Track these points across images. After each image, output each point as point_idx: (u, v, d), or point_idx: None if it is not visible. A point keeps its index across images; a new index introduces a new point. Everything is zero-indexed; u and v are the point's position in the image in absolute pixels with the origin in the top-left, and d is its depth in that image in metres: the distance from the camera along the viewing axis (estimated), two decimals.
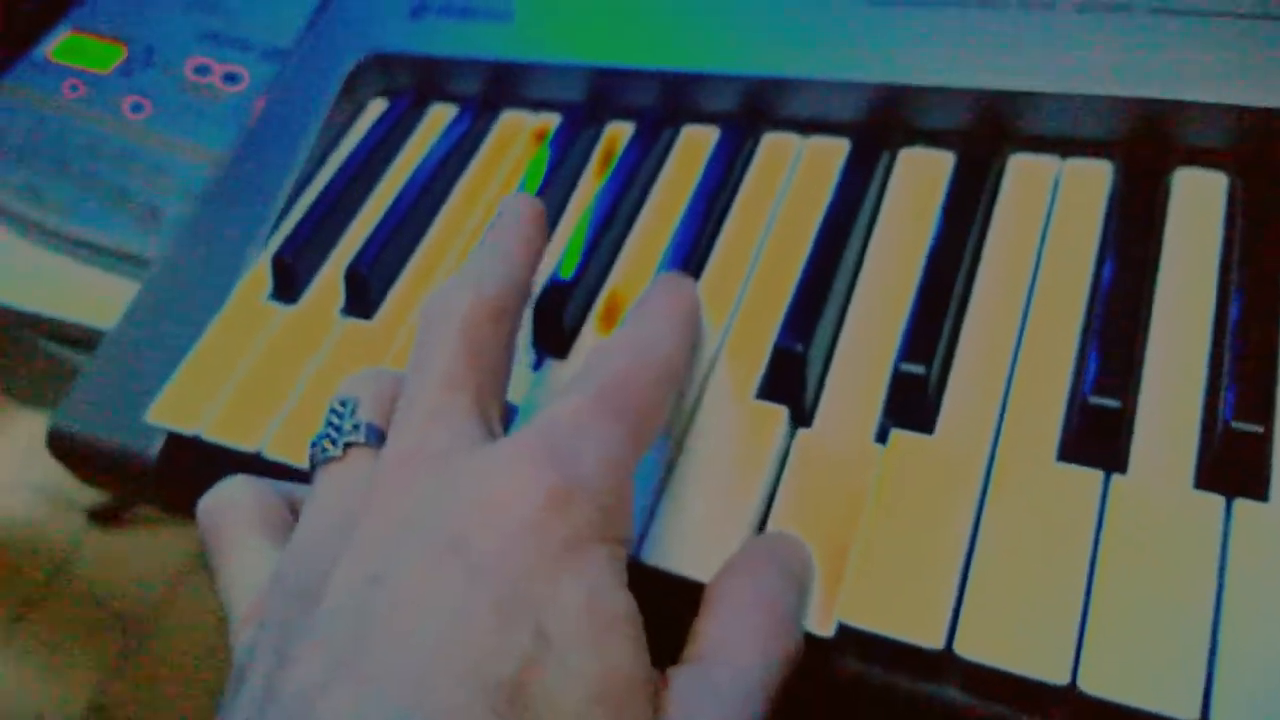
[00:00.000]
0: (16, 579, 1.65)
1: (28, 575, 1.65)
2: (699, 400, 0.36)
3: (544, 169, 0.45)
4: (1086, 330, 0.34)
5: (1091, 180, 0.38)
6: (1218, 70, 0.37)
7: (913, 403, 0.34)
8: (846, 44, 0.42)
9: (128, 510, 1.67)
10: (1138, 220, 0.36)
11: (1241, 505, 0.29)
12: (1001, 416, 0.33)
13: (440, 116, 0.51)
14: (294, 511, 0.33)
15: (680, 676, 0.28)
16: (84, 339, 0.67)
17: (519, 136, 0.49)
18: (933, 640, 0.29)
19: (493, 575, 0.25)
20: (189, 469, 0.42)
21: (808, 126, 0.44)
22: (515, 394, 0.38)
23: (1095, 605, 0.29)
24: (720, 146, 0.43)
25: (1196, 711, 0.27)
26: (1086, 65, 0.38)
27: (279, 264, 0.44)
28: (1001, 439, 0.33)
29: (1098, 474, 0.31)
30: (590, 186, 0.45)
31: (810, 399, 0.36)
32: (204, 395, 0.41)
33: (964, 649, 0.29)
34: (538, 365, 0.39)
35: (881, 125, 0.42)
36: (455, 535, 0.25)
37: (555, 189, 0.45)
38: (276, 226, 0.48)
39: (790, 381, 0.35)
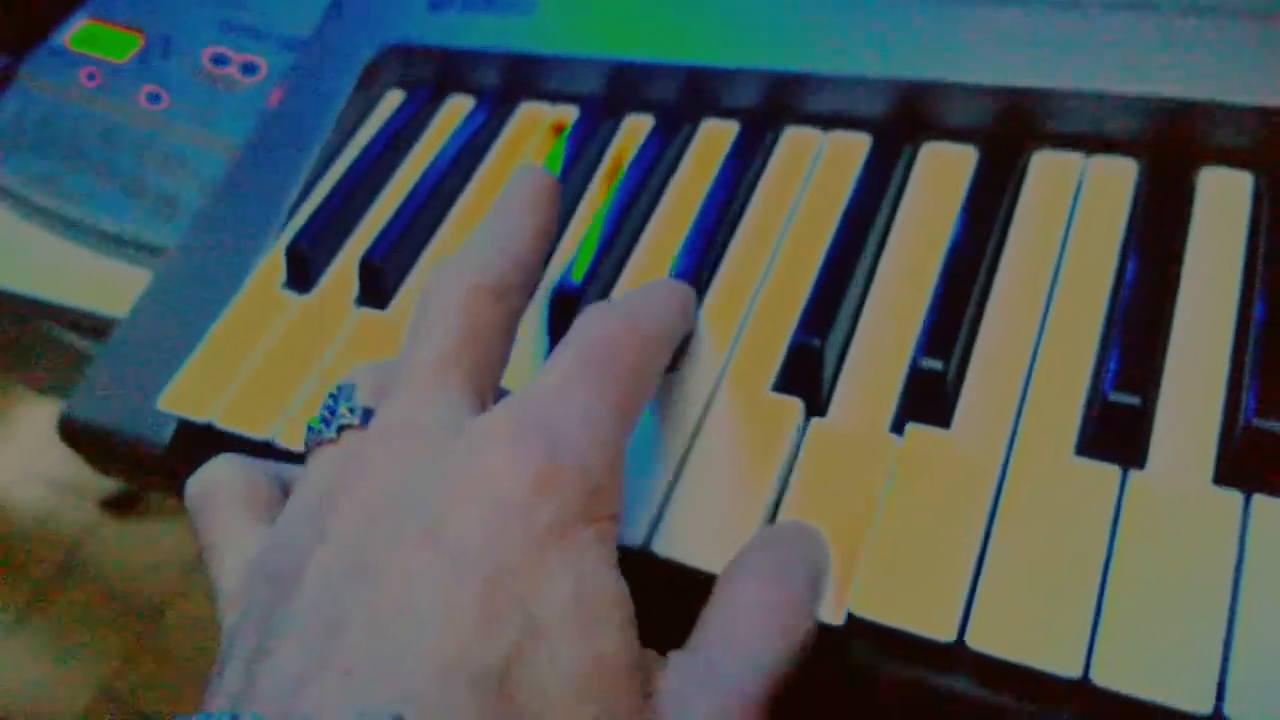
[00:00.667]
0: (30, 567, 1.66)
1: (41, 564, 1.66)
2: (714, 393, 0.36)
3: (560, 162, 0.44)
4: (1108, 327, 0.34)
5: (1116, 178, 0.38)
6: (1243, 70, 0.36)
7: (930, 397, 0.33)
8: (869, 39, 0.42)
9: (140, 500, 1.68)
10: (1162, 218, 0.36)
11: (1260, 501, 0.29)
12: (1019, 412, 0.33)
13: (458, 108, 0.51)
14: (285, 492, 0.33)
15: (678, 659, 0.27)
16: (100, 328, 0.67)
17: (537, 128, 0.48)
18: (945, 632, 0.29)
19: (476, 562, 0.24)
20: (200, 457, 0.42)
21: (829, 122, 0.43)
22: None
23: (1109, 599, 0.28)
24: (739, 142, 0.43)
25: (1210, 706, 0.26)
26: (1112, 63, 0.38)
27: (293, 253, 0.44)
28: (1019, 434, 0.32)
29: (1115, 469, 0.30)
30: (607, 180, 0.45)
31: (826, 392, 0.35)
32: (216, 383, 0.41)
33: (976, 641, 0.29)
34: None
35: (904, 121, 0.42)
36: (434, 520, 0.25)
37: (571, 182, 0.44)
38: (291, 216, 0.48)
39: (807, 376, 0.35)
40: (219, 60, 0.69)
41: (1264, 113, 0.36)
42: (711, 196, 0.41)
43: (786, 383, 0.35)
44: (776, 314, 0.38)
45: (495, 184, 0.47)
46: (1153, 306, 0.33)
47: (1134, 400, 0.31)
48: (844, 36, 0.42)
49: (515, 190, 0.34)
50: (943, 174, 0.40)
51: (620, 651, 0.25)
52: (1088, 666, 0.28)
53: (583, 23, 0.48)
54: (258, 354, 0.42)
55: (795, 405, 0.34)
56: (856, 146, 0.42)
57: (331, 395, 0.31)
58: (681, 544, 0.33)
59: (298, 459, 0.38)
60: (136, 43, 0.74)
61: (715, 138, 0.45)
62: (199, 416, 0.40)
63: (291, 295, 0.44)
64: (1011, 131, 0.40)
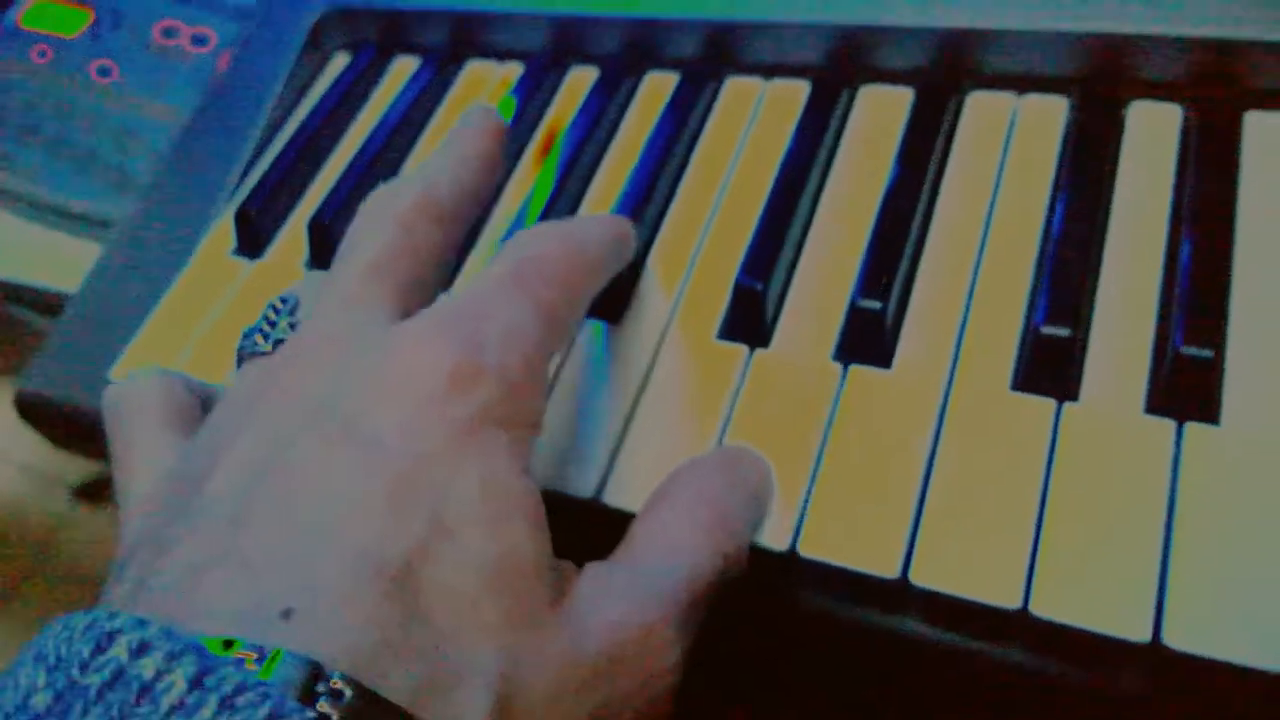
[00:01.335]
0: (4, 555, 1.65)
1: (14, 554, 1.65)
2: (661, 342, 0.36)
3: (508, 116, 0.44)
4: (1040, 263, 0.34)
5: (1047, 116, 0.38)
6: (1172, 2, 0.37)
7: (869, 338, 0.34)
8: None
9: (111, 487, 1.67)
10: (1092, 153, 0.36)
11: (1193, 429, 0.30)
12: (957, 350, 0.33)
13: (404, 69, 0.51)
14: (209, 409, 0.31)
15: (596, 566, 0.27)
16: (58, 305, 0.67)
17: (484, 86, 0.48)
18: (888, 569, 0.29)
19: (388, 455, 0.24)
20: None
21: (770, 70, 0.43)
22: None
23: (1048, 530, 0.29)
24: (680, 92, 0.43)
25: (1148, 633, 0.27)
26: (1041, 1, 0.38)
27: (242, 217, 0.44)
28: (957, 372, 0.33)
29: (1050, 402, 0.31)
30: (552, 135, 0.45)
31: (769, 333, 0.36)
32: (169, 351, 0.41)
33: (919, 577, 0.29)
34: None
35: (842, 66, 0.42)
36: (349, 414, 0.25)
37: (518, 137, 0.45)
38: (241, 182, 0.48)
39: (751, 319, 0.35)
40: (169, 33, 0.69)
41: (1192, 44, 0.36)
42: (652, 147, 0.41)
43: (731, 328, 0.36)
44: (721, 262, 0.38)
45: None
46: (1083, 241, 0.34)
47: (1064, 332, 0.31)
48: None
49: (463, 126, 0.34)
50: (880, 116, 0.41)
51: (528, 551, 0.24)
52: (1027, 598, 0.28)
53: None
54: (210, 320, 0.42)
55: (741, 351, 0.35)
56: (796, 93, 0.42)
57: (272, 307, 0.30)
58: (632, 493, 0.33)
59: None
60: (87, 18, 0.73)
61: (659, 89, 0.45)
62: None
63: (243, 261, 0.44)
64: (946, 73, 0.40)
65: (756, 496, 0.31)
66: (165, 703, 0.19)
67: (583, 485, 0.33)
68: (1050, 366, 0.31)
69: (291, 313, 0.30)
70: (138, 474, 0.29)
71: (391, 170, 0.46)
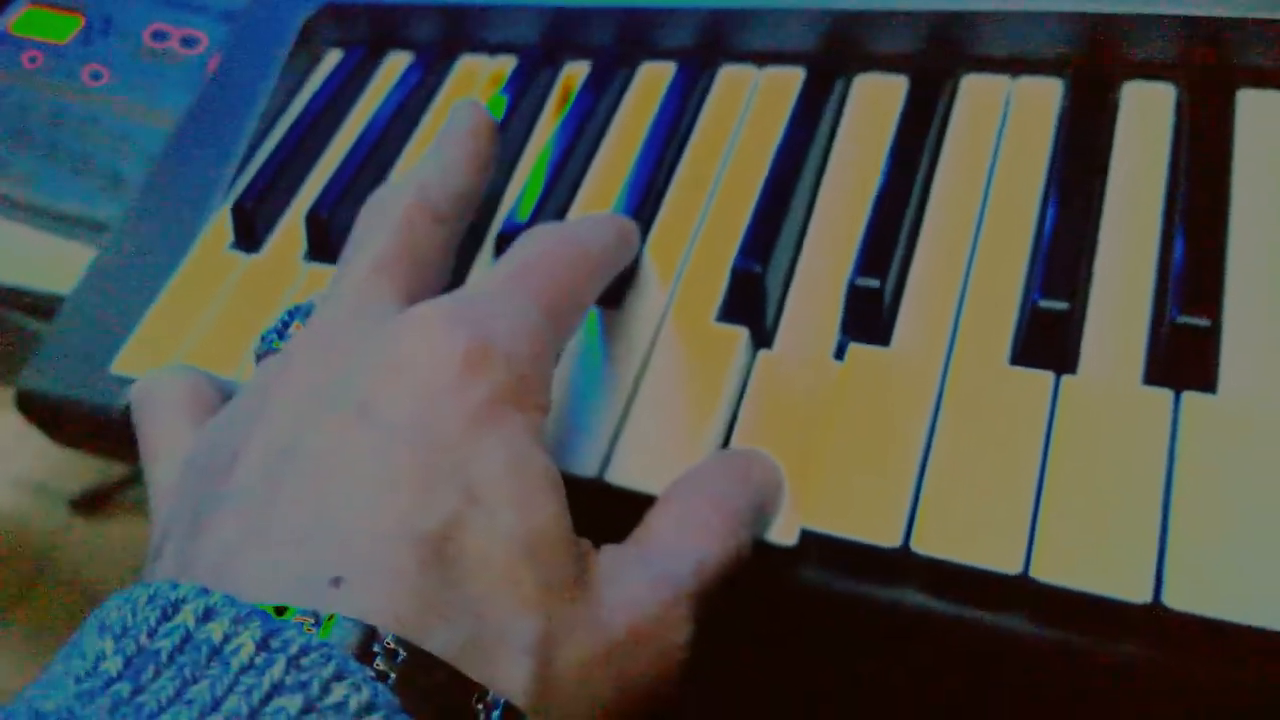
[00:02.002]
0: (3, 569, 1.64)
1: (14, 568, 1.65)
2: (661, 325, 0.36)
3: (501, 112, 0.45)
4: (1037, 240, 0.35)
5: (1042, 97, 0.39)
6: None
7: (869, 316, 0.34)
8: None
9: (110, 498, 1.67)
10: (1087, 132, 0.36)
11: (1190, 398, 0.30)
12: (956, 326, 0.34)
13: (397, 64, 0.51)
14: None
15: (613, 547, 0.28)
16: (52, 309, 0.67)
17: (476, 81, 0.48)
18: (890, 539, 0.30)
19: (410, 434, 0.24)
20: None
21: (764, 58, 0.44)
22: None
23: (1048, 498, 0.29)
24: (676, 81, 0.44)
25: (1149, 595, 0.27)
26: None
27: (239, 212, 0.44)
28: (956, 347, 0.33)
29: (1048, 375, 0.31)
30: (548, 128, 0.45)
31: (770, 321, 0.36)
32: (169, 344, 0.41)
33: (921, 545, 0.29)
34: None
35: (836, 52, 0.42)
36: (364, 399, 0.25)
37: (513, 130, 0.45)
38: (236, 180, 0.48)
39: (749, 302, 0.35)
40: (159, 36, 0.69)
41: (1184, 22, 0.36)
42: (650, 137, 0.41)
43: (730, 310, 0.36)
44: (718, 246, 0.38)
45: None
46: (1079, 217, 0.34)
47: (1061, 306, 0.31)
48: None
49: (454, 124, 0.35)
50: (876, 103, 0.41)
51: (555, 525, 0.25)
52: (1028, 563, 0.28)
53: None
54: (210, 314, 0.42)
55: (740, 333, 0.35)
56: (791, 80, 0.43)
57: (289, 311, 0.32)
58: (634, 472, 0.33)
59: None
60: (77, 24, 0.73)
61: (654, 79, 0.45)
62: None
63: (240, 255, 0.44)
64: (940, 56, 0.40)
65: (763, 496, 0.31)
66: (235, 663, 0.20)
67: (585, 465, 0.34)
68: (1048, 340, 0.32)
69: (305, 316, 0.31)
70: (164, 463, 0.30)
71: (387, 164, 0.46)
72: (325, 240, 0.42)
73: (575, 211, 0.42)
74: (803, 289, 0.37)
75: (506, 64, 0.48)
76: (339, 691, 0.20)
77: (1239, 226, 0.33)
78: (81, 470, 1.66)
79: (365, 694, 0.20)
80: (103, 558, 1.63)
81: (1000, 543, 0.29)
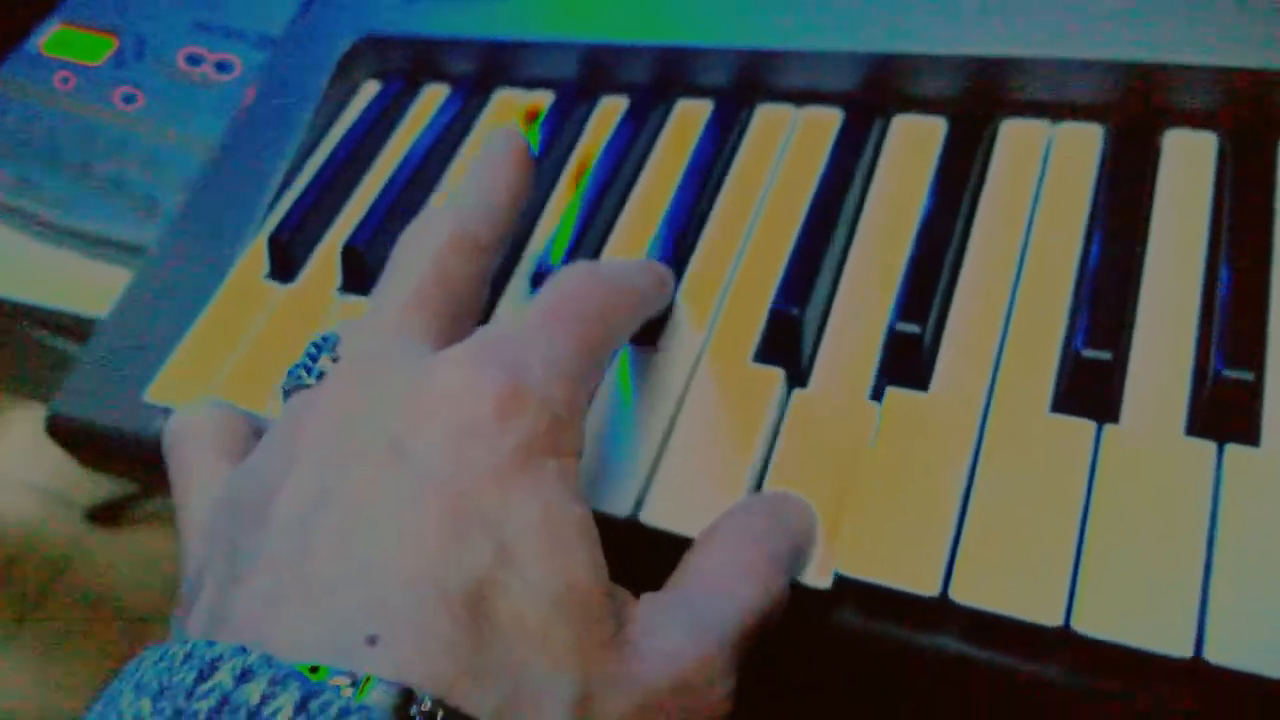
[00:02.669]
0: (18, 580, 1.65)
1: (29, 576, 1.65)
2: (696, 366, 0.36)
3: (537, 146, 0.45)
4: (1079, 287, 0.35)
5: (1083, 143, 0.39)
6: (1206, 32, 0.37)
7: (908, 361, 0.34)
8: (838, 14, 0.42)
9: (126, 511, 1.67)
10: (1129, 180, 0.36)
11: (1233, 451, 0.30)
12: (995, 372, 0.34)
13: (434, 96, 0.51)
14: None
15: (651, 595, 0.28)
16: (84, 330, 0.67)
17: (513, 115, 0.49)
18: (929, 587, 0.30)
19: (442, 481, 0.24)
20: None
21: (802, 97, 0.44)
22: None
23: (1089, 550, 0.29)
24: (713, 121, 0.44)
25: (1190, 650, 0.27)
26: (1074, 30, 0.38)
27: (275, 243, 0.44)
28: (995, 394, 0.33)
29: (1090, 424, 0.31)
30: (583, 165, 0.45)
31: (806, 361, 0.36)
32: (203, 374, 0.42)
33: (960, 595, 0.29)
34: None
35: (875, 94, 0.42)
36: (398, 437, 0.25)
37: (548, 166, 0.45)
38: (272, 208, 0.48)
39: (786, 344, 0.35)
40: (193, 60, 0.70)
41: (1226, 73, 0.36)
42: (687, 176, 0.42)
43: (767, 352, 0.36)
44: (756, 287, 0.38)
45: None
46: (1122, 265, 0.34)
47: (1105, 355, 0.31)
48: (813, 12, 0.43)
49: (488, 153, 0.35)
50: (914, 145, 0.41)
51: (591, 578, 0.25)
52: (1069, 615, 0.28)
53: (554, 7, 0.48)
54: (244, 344, 0.42)
55: (777, 375, 0.35)
56: (829, 121, 0.43)
57: (315, 345, 0.31)
58: (668, 513, 0.33)
59: None
60: (110, 45, 0.74)
61: (690, 117, 0.45)
62: None
63: (275, 285, 0.45)
64: (979, 101, 0.40)
65: (799, 539, 0.31)
66: None
67: (619, 505, 0.34)
68: (1091, 389, 0.31)
69: (333, 349, 0.31)
70: (193, 499, 0.30)
71: (423, 197, 0.46)
72: (361, 273, 0.43)
73: (608, 253, 0.42)
74: (839, 329, 0.37)
75: (544, 97, 0.49)
76: None
77: None
78: (98, 482, 1.67)
79: None
80: (117, 569, 1.64)
81: (1041, 594, 0.29)
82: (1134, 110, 0.38)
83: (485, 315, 0.39)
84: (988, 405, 0.33)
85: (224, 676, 0.21)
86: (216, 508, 0.28)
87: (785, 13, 0.43)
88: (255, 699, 0.20)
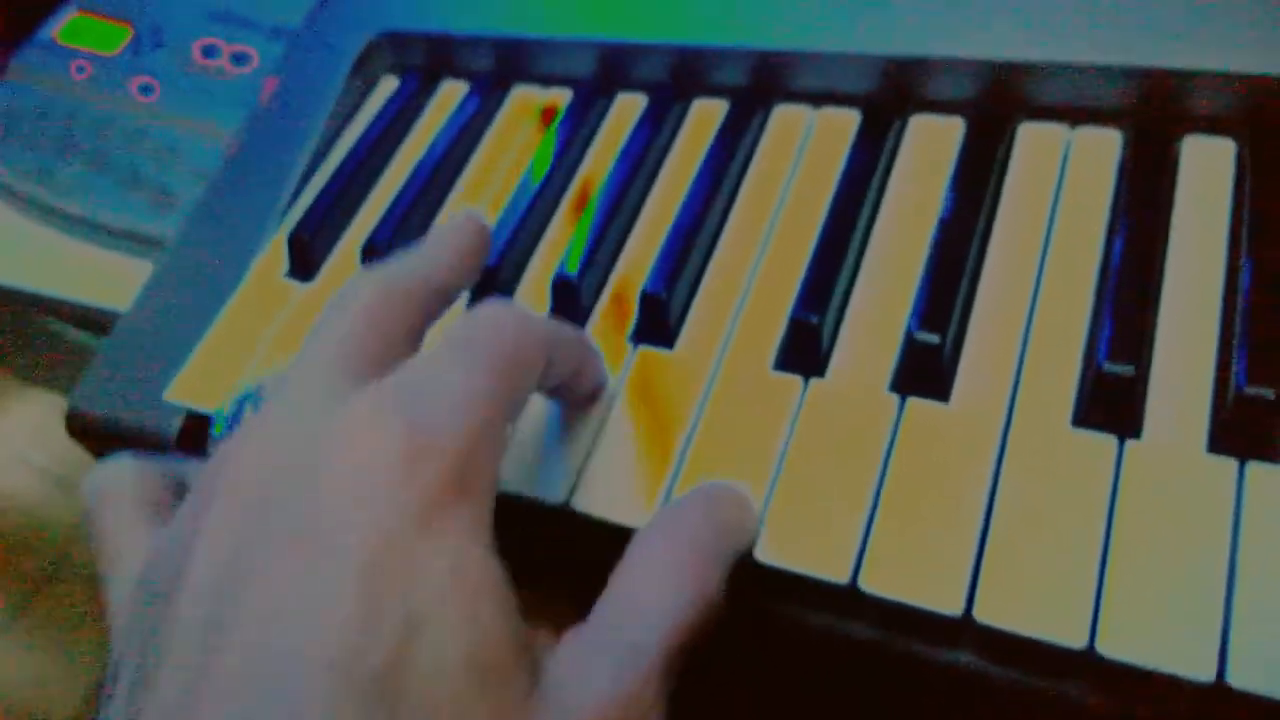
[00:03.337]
0: (22, 562, 1.65)
1: (33, 559, 1.65)
2: (715, 373, 0.36)
3: (553, 148, 0.45)
4: (1099, 297, 0.35)
5: (1101, 149, 0.38)
6: (1225, 38, 0.37)
7: (927, 371, 0.34)
8: (856, 16, 0.42)
9: None
10: (1148, 187, 0.36)
11: (1255, 468, 0.30)
12: (1016, 384, 0.33)
13: (452, 93, 0.51)
14: (184, 490, 0.32)
15: (574, 634, 0.27)
16: (96, 320, 0.67)
17: (530, 112, 0.49)
18: (952, 606, 0.29)
19: (348, 558, 0.23)
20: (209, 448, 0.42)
21: (819, 98, 0.44)
22: None
23: (1112, 569, 0.29)
24: (728, 121, 0.44)
25: (1212, 673, 0.27)
26: (1094, 34, 0.38)
27: (296, 242, 0.44)
28: (1016, 406, 0.33)
29: (1112, 440, 0.31)
30: (602, 162, 0.45)
31: (823, 359, 0.36)
32: (223, 373, 0.42)
33: (983, 614, 0.29)
34: None
35: (892, 96, 0.42)
36: (303, 516, 0.24)
37: (565, 165, 0.45)
38: (290, 206, 0.48)
39: (807, 352, 0.35)
40: (210, 51, 0.70)
41: (1245, 79, 0.36)
42: (698, 180, 0.41)
43: (787, 359, 0.36)
44: (774, 291, 0.38)
45: (491, 167, 0.47)
46: (1142, 277, 0.34)
47: (1127, 370, 0.31)
48: (832, 13, 0.43)
49: (446, 227, 0.34)
50: (931, 146, 0.41)
51: (504, 636, 0.24)
52: (1092, 637, 0.28)
53: (571, 5, 0.48)
54: (264, 343, 0.42)
55: (796, 383, 0.35)
56: (846, 122, 0.43)
57: (239, 397, 0.30)
58: None
59: None
60: (126, 35, 0.74)
61: (707, 117, 0.45)
62: (207, 408, 0.41)
63: (295, 284, 0.45)
64: (997, 104, 0.40)
65: (734, 532, 0.31)
66: None
67: (632, 516, 0.34)
68: (1113, 404, 0.31)
69: (256, 403, 0.30)
70: (116, 569, 0.29)
71: (442, 194, 0.46)
72: None
73: (626, 255, 0.42)
74: (857, 331, 0.36)
75: (561, 94, 0.49)
76: None
77: None
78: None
79: None
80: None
81: (1065, 616, 0.28)
82: (1152, 116, 0.38)
83: None
84: (1009, 418, 0.33)
85: None
86: (133, 588, 0.27)
87: (804, 14, 0.43)
88: None
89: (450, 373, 0.27)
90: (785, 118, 0.44)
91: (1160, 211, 0.36)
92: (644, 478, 0.34)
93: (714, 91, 0.46)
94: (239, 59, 0.68)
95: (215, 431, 0.30)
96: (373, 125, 0.49)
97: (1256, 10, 0.37)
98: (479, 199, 0.46)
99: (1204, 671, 0.27)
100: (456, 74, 0.52)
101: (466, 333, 0.28)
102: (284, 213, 0.48)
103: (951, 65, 0.40)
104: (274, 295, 0.44)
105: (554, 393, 0.34)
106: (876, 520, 0.32)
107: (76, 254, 0.66)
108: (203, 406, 0.41)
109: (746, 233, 0.40)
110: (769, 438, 0.34)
